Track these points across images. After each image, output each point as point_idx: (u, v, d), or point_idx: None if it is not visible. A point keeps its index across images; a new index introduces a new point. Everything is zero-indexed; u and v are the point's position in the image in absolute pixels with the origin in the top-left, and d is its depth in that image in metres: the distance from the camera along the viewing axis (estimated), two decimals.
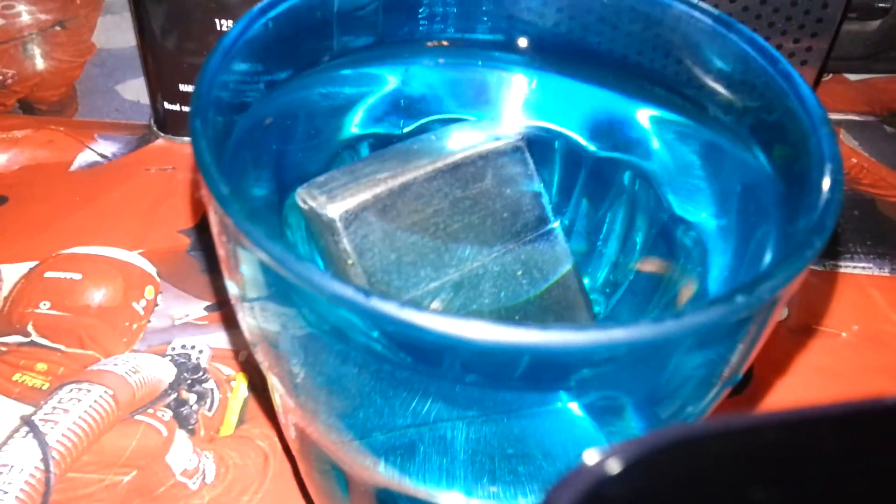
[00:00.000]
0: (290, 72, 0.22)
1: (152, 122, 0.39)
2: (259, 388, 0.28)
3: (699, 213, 0.22)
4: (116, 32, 0.45)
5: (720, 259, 0.21)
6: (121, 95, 0.41)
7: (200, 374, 0.29)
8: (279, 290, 0.16)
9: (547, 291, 0.23)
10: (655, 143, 0.23)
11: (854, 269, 0.34)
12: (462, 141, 0.22)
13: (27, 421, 0.27)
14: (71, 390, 0.28)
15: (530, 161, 0.23)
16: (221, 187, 0.15)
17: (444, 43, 0.24)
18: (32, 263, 0.32)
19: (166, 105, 0.37)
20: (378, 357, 0.16)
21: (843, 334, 0.31)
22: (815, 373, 0.30)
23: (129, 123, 0.39)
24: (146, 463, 0.26)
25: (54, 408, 0.27)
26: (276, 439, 0.27)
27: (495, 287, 0.22)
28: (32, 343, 0.29)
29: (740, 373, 0.17)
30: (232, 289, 0.18)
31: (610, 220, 0.25)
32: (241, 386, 0.28)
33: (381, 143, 0.24)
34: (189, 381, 0.28)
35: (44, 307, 0.30)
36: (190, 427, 0.27)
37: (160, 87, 0.37)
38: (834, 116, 0.41)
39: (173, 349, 0.29)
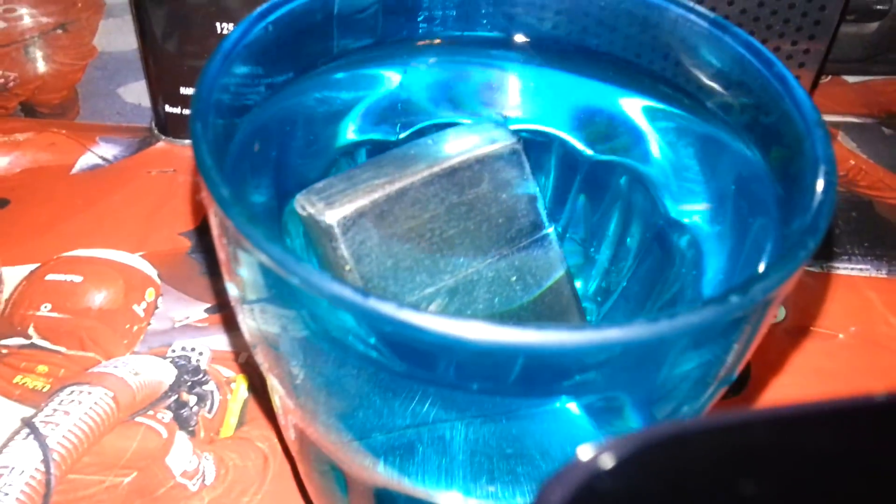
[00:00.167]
0: (291, 75, 0.22)
1: (153, 124, 0.39)
2: (259, 389, 0.28)
3: (695, 215, 0.22)
4: (118, 35, 0.45)
5: (715, 262, 0.21)
6: (122, 98, 0.41)
7: (200, 375, 0.29)
8: (279, 291, 0.16)
9: (540, 297, 0.23)
10: (653, 143, 0.23)
11: (851, 270, 0.34)
12: (459, 145, 0.22)
13: (28, 423, 0.27)
14: (72, 392, 0.28)
15: (526, 164, 0.23)
16: (222, 190, 0.15)
17: (442, 42, 0.24)
18: (34, 266, 0.32)
19: (167, 108, 0.37)
20: (377, 359, 0.16)
21: (840, 336, 0.31)
22: (812, 374, 0.30)
23: (130, 126, 0.39)
24: (146, 464, 0.26)
25: (55, 410, 0.27)
26: (275, 441, 0.27)
27: (489, 293, 0.22)
28: (33, 345, 0.29)
29: (735, 372, 0.18)
30: (232, 291, 0.18)
31: (604, 225, 0.25)
32: (240, 388, 0.28)
33: (377, 150, 0.24)
34: (189, 383, 0.28)
35: (45, 309, 0.30)
36: (190, 429, 0.27)
37: (161, 89, 0.37)
38: (832, 118, 0.41)
39: (174, 351, 0.29)
